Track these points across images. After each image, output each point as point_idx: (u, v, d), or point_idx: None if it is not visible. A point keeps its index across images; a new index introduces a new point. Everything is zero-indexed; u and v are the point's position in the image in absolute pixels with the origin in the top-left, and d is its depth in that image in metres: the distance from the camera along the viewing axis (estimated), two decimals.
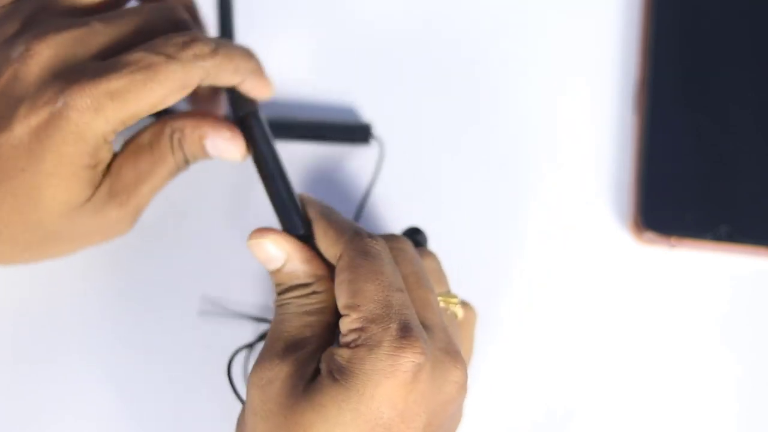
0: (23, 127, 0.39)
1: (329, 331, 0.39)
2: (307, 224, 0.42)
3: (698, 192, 0.50)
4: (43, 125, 0.39)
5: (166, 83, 0.40)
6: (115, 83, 0.39)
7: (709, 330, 0.49)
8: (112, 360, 0.47)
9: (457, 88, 0.53)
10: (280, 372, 0.37)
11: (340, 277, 0.38)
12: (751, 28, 0.53)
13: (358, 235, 0.39)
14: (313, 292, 0.40)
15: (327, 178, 0.51)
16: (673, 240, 0.49)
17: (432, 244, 0.48)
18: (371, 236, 0.39)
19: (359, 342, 0.36)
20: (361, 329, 0.36)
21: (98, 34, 0.40)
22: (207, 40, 0.42)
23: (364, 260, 0.38)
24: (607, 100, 0.53)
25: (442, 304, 0.41)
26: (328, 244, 0.40)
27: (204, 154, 0.44)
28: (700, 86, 0.52)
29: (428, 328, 0.38)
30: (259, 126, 0.44)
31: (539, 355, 0.48)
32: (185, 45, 0.41)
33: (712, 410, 0.48)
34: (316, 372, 0.37)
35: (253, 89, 0.45)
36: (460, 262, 0.49)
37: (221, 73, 0.43)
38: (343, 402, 0.35)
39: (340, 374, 0.36)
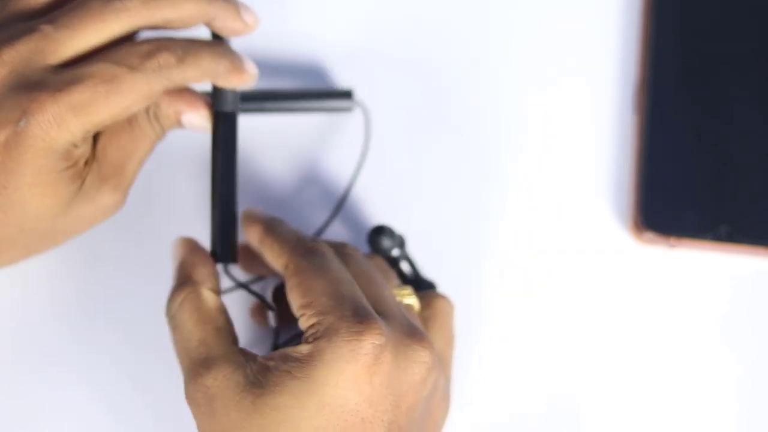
0: None
1: (228, 333, 0.40)
2: (233, 251, 0.44)
3: (698, 192, 0.50)
4: (12, 143, 0.38)
5: (129, 95, 0.40)
6: (76, 96, 0.39)
7: (709, 330, 0.49)
8: (111, 360, 0.47)
9: (456, 88, 0.53)
10: (213, 382, 0.37)
11: (290, 284, 0.39)
12: (751, 27, 0.53)
13: (300, 240, 0.41)
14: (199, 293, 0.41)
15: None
16: (673, 240, 0.49)
17: (430, 245, 0.49)
18: (313, 240, 0.41)
19: (317, 335, 0.37)
20: (317, 323, 0.37)
21: (52, 40, 0.40)
22: (173, 47, 0.41)
23: (308, 262, 0.39)
24: (607, 100, 0.53)
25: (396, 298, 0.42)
26: (274, 257, 0.41)
27: (179, 125, 0.44)
28: (700, 86, 0.52)
29: (385, 317, 0.38)
30: (228, 128, 0.44)
31: (539, 356, 0.48)
32: (150, 54, 0.40)
33: (711, 410, 0.48)
34: (257, 374, 0.37)
35: (226, 84, 0.44)
36: (459, 262, 0.49)
37: (188, 79, 0.42)
38: (306, 396, 0.36)
39: (300, 371, 0.36)
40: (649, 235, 0.49)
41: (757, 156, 0.51)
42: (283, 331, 0.43)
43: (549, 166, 0.52)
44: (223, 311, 0.41)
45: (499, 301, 0.49)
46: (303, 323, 0.38)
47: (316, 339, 0.37)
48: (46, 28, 0.40)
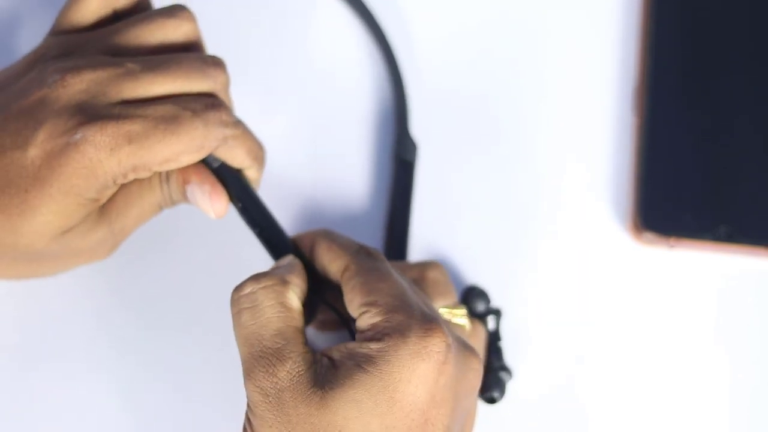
0: (37, 150, 0.39)
1: (303, 335, 0.39)
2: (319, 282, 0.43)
3: (698, 192, 0.50)
4: (56, 153, 0.39)
5: (185, 138, 0.40)
6: (136, 127, 0.39)
7: (708, 330, 0.49)
8: (112, 363, 0.47)
9: (455, 88, 0.53)
10: (287, 375, 0.37)
11: (352, 283, 0.39)
12: (751, 28, 0.53)
13: (363, 246, 0.41)
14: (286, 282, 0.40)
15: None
16: (673, 240, 0.49)
17: (428, 245, 0.49)
18: (373, 247, 0.41)
19: (386, 331, 0.37)
20: (384, 320, 0.37)
21: (134, 78, 0.40)
22: (231, 111, 0.43)
23: (373, 265, 0.40)
24: (607, 100, 0.53)
25: (447, 316, 0.43)
26: (331, 258, 0.41)
27: (184, 198, 0.44)
28: (700, 86, 0.52)
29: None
30: (246, 195, 0.44)
31: (538, 356, 0.48)
32: (213, 106, 0.41)
33: (711, 411, 0.48)
34: (324, 368, 0.37)
35: (251, 169, 0.44)
36: (458, 262, 0.50)
37: (236, 148, 0.43)
38: (379, 392, 0.36)
39: (372, 365, 0.36)
40: (649, 235, 0.49)
41: (757, 156, 0.51)
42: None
43: (548, 166, 0.52)
44: (303, 316, 0.40)
45: (496, 301, 0.49)
46: (366, 320, 0.37)
47: (385, 335, 0.36)
48: (133, 66, 0.41)
